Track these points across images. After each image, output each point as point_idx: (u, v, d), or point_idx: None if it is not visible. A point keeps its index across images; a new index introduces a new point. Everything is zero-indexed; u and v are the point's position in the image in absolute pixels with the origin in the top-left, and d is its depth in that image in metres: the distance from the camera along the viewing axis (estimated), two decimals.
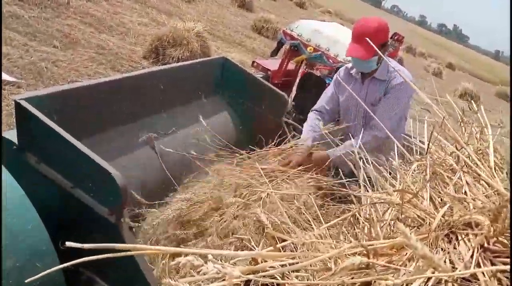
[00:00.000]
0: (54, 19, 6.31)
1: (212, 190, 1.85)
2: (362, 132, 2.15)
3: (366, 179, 1.35)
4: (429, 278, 0.81)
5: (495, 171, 1.09)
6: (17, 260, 1.19)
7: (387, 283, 0.82)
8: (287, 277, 1.00)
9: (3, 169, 1.27)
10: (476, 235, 0.89)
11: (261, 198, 1.77)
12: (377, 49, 1.70)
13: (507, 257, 0.84)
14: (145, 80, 2.08)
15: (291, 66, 4.80)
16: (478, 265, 0.83)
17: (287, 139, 2.33)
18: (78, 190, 1.39)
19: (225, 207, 1.74)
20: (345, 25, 5.63)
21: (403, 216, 1.06)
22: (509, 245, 0.86)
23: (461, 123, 1.33)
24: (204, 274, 0.81)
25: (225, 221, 1.68)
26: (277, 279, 0.96)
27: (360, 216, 1.23)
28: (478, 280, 0.79)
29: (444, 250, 0.89)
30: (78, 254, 0.73)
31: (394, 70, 2.24)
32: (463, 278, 0.81)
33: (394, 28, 4.18)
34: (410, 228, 1.03)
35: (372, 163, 1.38)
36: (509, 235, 0.87)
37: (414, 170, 1.28)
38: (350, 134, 2.18)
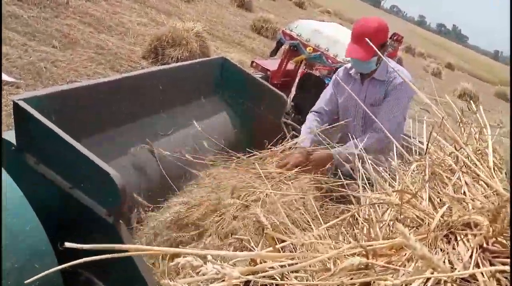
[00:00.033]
0: (53, 19, 6.31)
1: (209, 193, 1.85)
2: (365, 135, 2.15)
3: (366, 179, 1.35)
4: (428, 279, 0.81)
5: (494, 171, 1.09)
6: (16, 261, 1.19)
7: (386, 284, 0.82)
8: (287, 278, 1.00)
9: (2, 169, 1.27)
10: (475, 235, 0.89)
11: (260, 198, 1.77)
12: (377, 50, 1.70)
13: (506, 257, 0.84)
14: (144, 80, 2.08)
15: (290, 66, 4.80)
16: (477, 265, 0.83)
17: (286, 139, 2.33)
18: (77, 191, 1.39)
19: (223, 208, 1.74)
20: (344, 25, 5.63)
21: (402, 216, 1.06)
22: (508, 245, 0.86)
23: (460, 124, 1.33)
24: (204, 275, 0.81)
25: (224, 222, 1.68)
26: (277, 280, 0.96)
27: (359, 216, 1.23)
28: (477, 280, 0.79)
29: (443, 251, 0.89)
30: (76, 254, 0.73)
31: (394, 70, 2.24)
32: (462, 279, 0.81)
33: (394, 28, 4.19)
34: (409, 228, 1.03)
35: (371, 163, 1.38)
36: (508, 235, 0.87)
37: (413, 170, 1.28)
38: (349, 135, 2.17)
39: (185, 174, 2.05)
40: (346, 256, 0.94)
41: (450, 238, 0.92)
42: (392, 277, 0.86)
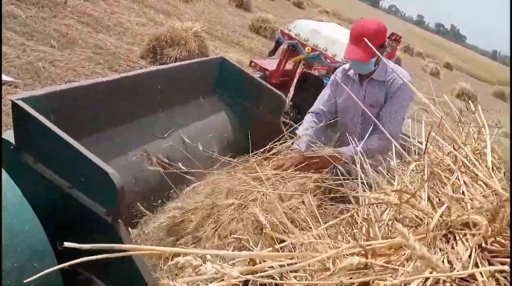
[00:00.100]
0: (51, 19, 6.30)
1: (203, 198, 1.86)
2: (370, 136, 2.15)
3: (364, 179, 1.35)
4: (427, 278, 0.81)
5: (493, 171, 1.09)
6: (16, 260, 1.19)
7: (385, 284, 0.82)
8: (286, 277, 1.00)
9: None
10: (474, 235, 0.89)
11: (257, 198, 1.78)
12: (376, 51, 1.70)
13: (505, 257, 0.84)
14: (143, 80, 2.08)
15: (289, 66, 4.80)
16: (476, 265, 0.83)
17: (283, 140, 2.33)
18: (76, 190, 1.39)
19: (218, 211, 1.75)
20: (343, 25, 5.64)
21: (401, 216, 1.06)
22: (507, 245, 0.86)
23: (459, 124, 1.34)
24: (203, 274, 0.81)
25: (222, 223, 1.68)
26: (276, 279, 0.96)
27: (358, 216, 1.23)
28: (476, 280, 0.80)
29: (442, 250, 0.89)
30: (76, 254, 0.73)
31: (393, 71, 2.25)
32: (461, 278, 0.81)
33: (392, 28, 4.19)
34: (408, 228, 1.03)
35: (370, 163, 1.38)
36: (506, 235, 0.87)
37: (412, 170, 1.28)
38: (348, 135, 2.17)
39: (182, 179, 2.05)
40: (345, 256, 0.94)
41: (449, 238, 0.92)
42: (391, 276, 0.87)
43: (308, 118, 2.50)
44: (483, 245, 0.86)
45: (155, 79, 2.15)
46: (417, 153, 1.39)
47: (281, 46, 4.64)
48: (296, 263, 0.92)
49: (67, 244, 0.72)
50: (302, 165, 2.09)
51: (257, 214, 1.46)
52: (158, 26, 8.10)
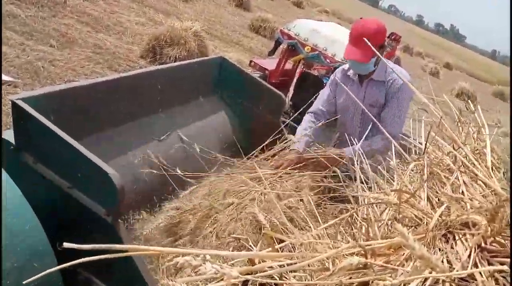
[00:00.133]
0: (50, 18, 6.29)
1: (201, 199, 1.86)
2: (374, 137, 2.15)
3: (363, 179, 1.36)
4: (426, 278, 0.81)
5: (492, 171, 1.10)
6: (15, 260, 1.19)
7: (384, 283, 0.82)
8: (285, 277, 1.00)
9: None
10: (473, 235, 0.89)
11: (255, 198, 1.78)
12: (377, 52, 1.70)
13: (504, 257, 0.84)
14: (142, 80, 2.08)
15: (288, 65, 4.80)
16: (475, 265, 0.84)
17: (282, 138, 2.33)
18: (76, 190, 1.39)
19: (216, 212, 1.75)
20: (342, 25, 5.64)
21: (400, 216, 1.06)
22: (506, 245, 0.86)
23: (458, 123, 1.34)
24: (202, 274, 0.81)
25: (220, 223, 1.68)
26: (275, 279, 0.96)
27: (357, 216, 1.24)
28: (476, 280, 0.80)
29: (442, 250, 0.89)
30: (76, 254, 0.73)
31: (392, 71, 2.25)
32: (461, 278, 0.81)
33: (392, 27, 4.19)
34: (408, 228, 1.03)
35: (369, 163, 1.38)
36: (506, 235, 0.87)
37: (412, 170, 1.28)
38: (347, 135, 2.17)
39: (181, 179, 2.05)
40: (345, 256, 0.94)
41: (449, 238, 0.92)
42: (390, 276, 0.87)
43: (307, 118, 2.50)
44: (483, 245, 0.86)
45: (155, 79, 2.15)
46: (416, 153, 1.39)
47: (281, 46, 4.64)
48: (295, 263, 0.92)
49: (66, 244, 0.72)
50: (300, 165, 2.09)
51: (257, 213, 1.46)
52: (157, 26, 8.09)
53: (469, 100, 1.72)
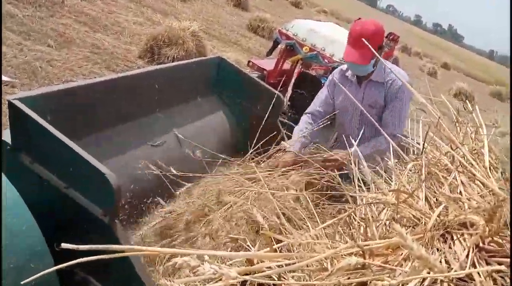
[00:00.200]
0: (48, 18, 6.28)
1: (195, 200, 1.86)
2: (378, 137, 2.15)
3: (360, 179, 1.36)
4: (424, 278, 0.81)
5: (490, 171, 1.10)
6: (14, 261, 1.19)
7: (383, 284, 0.82)
8: (284, 278, 1.00)
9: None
10: (471, 235, 0.89)
11: (248, 197, 1.78)
12: (376, 53, 1.70)
13: (502, 257, 0.84)
14: (141, 80, 2.07)
15: (286, 66, 4.80)
16: (473, 265, 0.84)
17: (279, 138, 2.33)
18: (73, 191, 1.39)
19: (212, 210, 1.75)
20: (340, 25, 5.63)
21: (398, 216, 1.06)
22: (504, 245, 0.86)
23: (456, 123, 1.34)
24: (201, 275, 0.81)
25: (215, 224, 1.68)
26: (274, 280, 0.96)
27: (355, 216, 1.23)
28: (474, 280, 0.80)
29: (440, 250, 0.90)
30: (73, 254, 0.73)
31: (391, 71, 2.26)
32: (459, 278, 0.81)
33: (390, 28, 4.20)
34: (406, 228, 1.03)
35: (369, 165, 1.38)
36: (504, 234, 0.87)
37: (410, 170, 1.28)
38: (346, 136, 2.17)
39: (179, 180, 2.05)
40: (343, 256, 0.94)
41: (447, 238, 0.92)
42: (388, 277, 0.87)
43: (304, 119, 2.50)
44: (481, 245, 0.87)
45: (153, 79, 2.15)
46: (414, 153, 1.39)
47: (279, 46, 4.64)
48: (294, 263, 0.92)
49: (64, 245, 0.72)
50: (295, 166, 2.10)
51: (255, 213, 1.46)
52: (155, 26, 8.08)
53: (466, 101, 1.72)
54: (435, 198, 1.08)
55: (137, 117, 2.05)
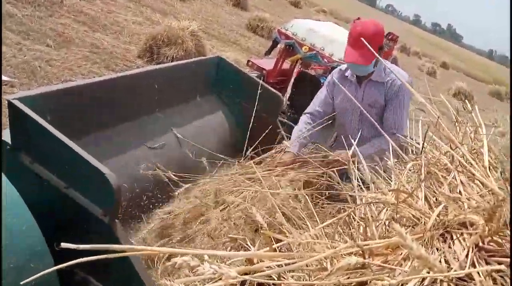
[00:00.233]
0: (47, 18, 6.27)
1: (194, 200, 1.86)
2: (381, 137, 2.15)
3: (360, 179, 1.36)
4: (424, 278, 0.81)
5: (490, 171, 1.10)
6: (13, 261, 1.18)
7: (383, 283, 0.82)
8: (283, 277, 1.00)
9: None
10: (471, 234, 0.89)
11: (246, 196, 1.78)
12: (376, 54, 1.70)
13: (502, 257, 0.84)
14: (140, 79, 2.07)
15: (286, 65, 4.80)
16: (473, 264, 0.84)
17: (277, 141, 2.33)
18: (73, 190, 1.38)
19: (210, 210, 1.75)
20: (340, 25, 5.63)
21: (398, 215, 1.06)
22: (504, 244, 0.86)
23: (456, 123, 1.34)
24: (201, 275, 0.81)
25: (211, 224, 1.69)
26: (274, 279, 0.96)
27: (355, 215, 1.24)
28: (474, 279, 0.80)
29: (439, 250, 0.90)
30: (73, 254, 0.73)
31: (391, 71, 2.26)
32: (459, 278, 0.81)
33: (389, 27, 4.20)
34: (405, 227, 1.03)
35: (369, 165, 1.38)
36: (503, 234, 0.87)
37: (409, 170, 1.28)
38: (346, 136, 2.17)
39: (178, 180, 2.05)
40: (343, 256, 0.94)
41: (446, 237, 0.92)
42: (388, 276, 0.87)
43: (303, 119, 2.50)
44: (480, 244, 0.87)
45: (153, 78, 2.15)
46: (414, 153, 1.40)
47: (278, 46, 4.64)
48: (293, 263, 0.92)
49: (64, 244, 0.72)
50: (294, 166, 2.09)
51: (255, 213, 1.46)
52: (154, 25, 8.08)
53: (466, 100, 1.73)
54: (434, 198, 1.08)
55: (136, 117, 2.05)
